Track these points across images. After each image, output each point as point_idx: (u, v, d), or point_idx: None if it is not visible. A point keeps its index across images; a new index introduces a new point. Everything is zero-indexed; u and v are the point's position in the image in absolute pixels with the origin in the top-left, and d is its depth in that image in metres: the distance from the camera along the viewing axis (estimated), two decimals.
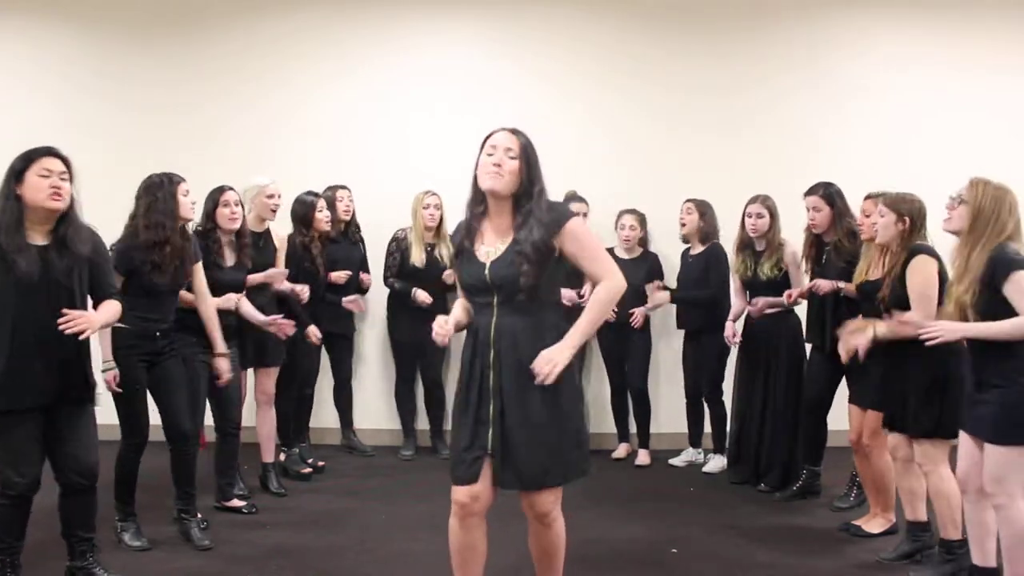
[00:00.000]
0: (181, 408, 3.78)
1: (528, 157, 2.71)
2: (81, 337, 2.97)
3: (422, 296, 5.29)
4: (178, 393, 3.77)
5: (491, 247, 2.74)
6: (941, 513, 3.46)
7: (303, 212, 4.92)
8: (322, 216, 4.93)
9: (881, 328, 3.45)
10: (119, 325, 3.43)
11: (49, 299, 2.99)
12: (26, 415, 3.03)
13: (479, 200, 2.77)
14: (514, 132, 2.74)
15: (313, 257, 4.88)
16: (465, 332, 2.85)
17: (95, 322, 3.02)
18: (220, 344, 3.98)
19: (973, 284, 2.96)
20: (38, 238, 3.04)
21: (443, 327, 2.78)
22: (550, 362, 2.59)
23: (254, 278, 4.35)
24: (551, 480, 2.72)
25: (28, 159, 3.01)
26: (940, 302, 3.32)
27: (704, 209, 5.19)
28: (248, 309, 4.25)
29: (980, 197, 3.02)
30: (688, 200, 5.24)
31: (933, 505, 3.52)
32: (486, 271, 2.70)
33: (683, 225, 5.24)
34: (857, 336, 3.47)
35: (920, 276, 3.43)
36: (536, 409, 2.66)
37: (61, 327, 2.91)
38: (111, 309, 3.18)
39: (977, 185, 3.05)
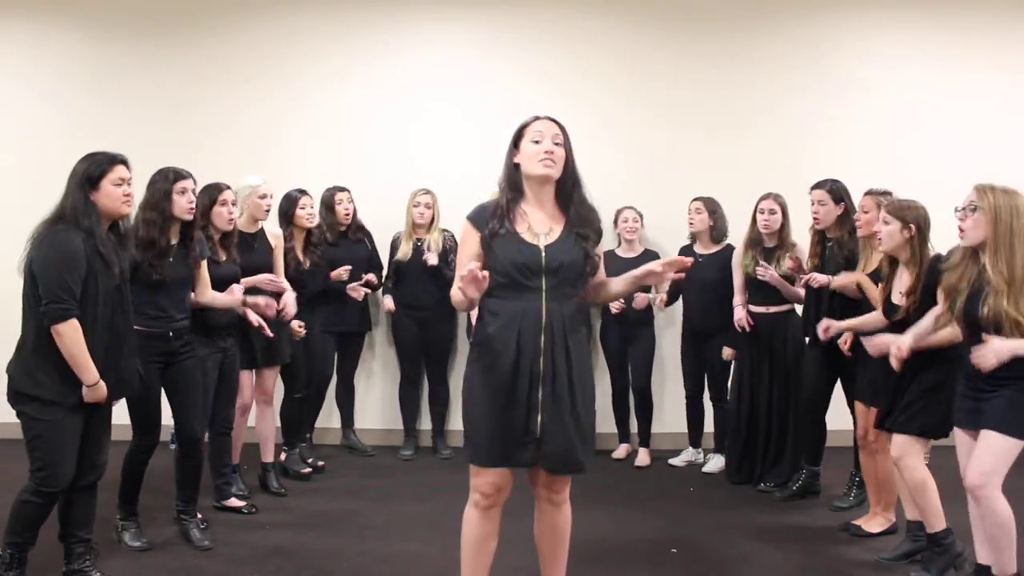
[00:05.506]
0: (195, 411, 3.78)
1: (569, 144, 2.77)
2: None
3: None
4: (193, 396, 3.77)
5: (542, 231, 2.71)
6: (922, 506, 3.45)
7: (285, 207, 4.90)
8: (303, 213, 4.87)
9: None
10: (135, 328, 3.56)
11: (123, 295, 3.21)
12: (78, 413, 3.08)
13: (515, 185, 2.76)
14: (553, 120, 2.76)
15: (288, 250, 4.81)
16: (489, 318, 2.70)
17: None
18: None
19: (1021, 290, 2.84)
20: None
21: (476, 269, 2.51)
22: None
23: (248, 281, 4.25)
24: (584, 464, 2.74)
25: (103, 168, 3.13)
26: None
27: (713, 207, 5.16)
28: (252, 299, 4.18)
29: (994, 202, 2.91)
30: (696, 199, 5.20)
31: (914, 499, 3.51)
32: (542, 254, 2.68)
33: (691, 224, 5.20)
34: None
35: None
36: (578, 395, 2.70)
37: None
38: None
39: (986, 191, 2.95)
